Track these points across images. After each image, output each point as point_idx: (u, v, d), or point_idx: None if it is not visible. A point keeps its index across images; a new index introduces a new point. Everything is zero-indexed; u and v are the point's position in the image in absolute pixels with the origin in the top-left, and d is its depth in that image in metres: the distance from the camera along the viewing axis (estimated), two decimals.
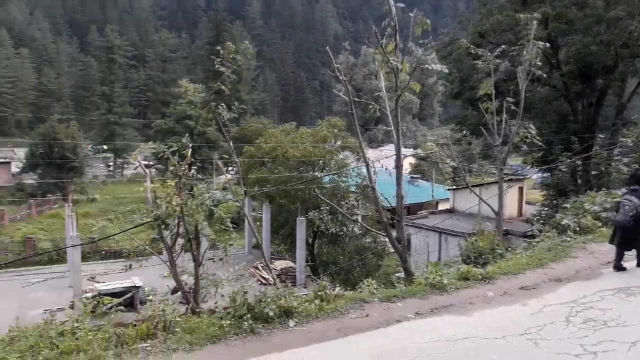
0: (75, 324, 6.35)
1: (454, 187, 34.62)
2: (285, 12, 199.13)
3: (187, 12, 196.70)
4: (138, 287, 18.19)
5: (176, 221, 9.04)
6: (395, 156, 10.95)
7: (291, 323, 6.59)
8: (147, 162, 48.82)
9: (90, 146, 72.76)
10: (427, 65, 11.88)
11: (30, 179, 58.39)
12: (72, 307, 16.97)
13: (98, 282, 20.25)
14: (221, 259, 10.35)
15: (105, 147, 78.43)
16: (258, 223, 26.76)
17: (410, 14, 10.27)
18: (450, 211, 29.87)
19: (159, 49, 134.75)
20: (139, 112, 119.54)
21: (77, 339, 5.84)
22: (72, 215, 24.42)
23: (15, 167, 61.72)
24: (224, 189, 11.60)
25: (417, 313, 7.22)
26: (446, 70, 12.56)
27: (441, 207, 37.12)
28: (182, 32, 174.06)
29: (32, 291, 21.40)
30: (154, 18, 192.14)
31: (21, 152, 65.01)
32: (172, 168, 9.44)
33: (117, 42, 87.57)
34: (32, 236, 36.29)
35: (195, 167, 10.44)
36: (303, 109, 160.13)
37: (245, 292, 6.91)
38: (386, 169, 14.10)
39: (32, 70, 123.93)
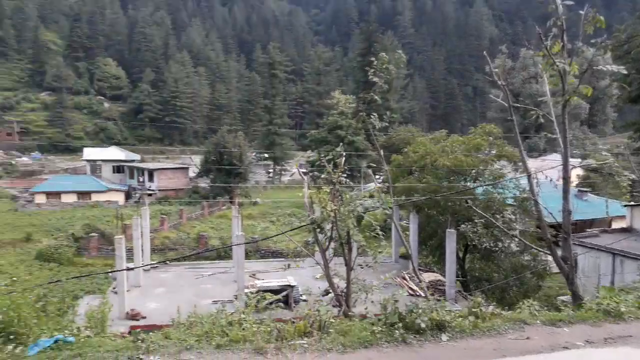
0: (242, 316, 7.01)
1: (633, 203, 30.28)
2: (437, 18, 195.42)
3: (340, 26, 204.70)
4: (293, 287, 19.31)
5: (330, 226, 9.44)
6: (561, 167, 10.01)
7: (444, 337, 6.42)
8: (304, 170, 51.68)
9: (253, 154, 79.59)
10: (599, 67, 10.65)
11: (204, 183, 66.10)
12: (232, 301, 18.74)
13: (258, 279, 21.98)
14: (368, 266, 10.54)
15: (266, 155, 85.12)
16: (406, 233, 26.52)
17: (580, 12, 9.33)
18: (627, 230, 26.22)
19: (315, 63, 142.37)
20: (295, 123, 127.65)
21: (243, 329, 6.44)
22: (238, 216, 26.89)
23: (192, 172, 70.40)
24: (371, 196, 11.77)
25: (587, 341, 6.49)
26: (624, 71, 11.10)
27: (615, 225, 32.75)
28: (336, 45, 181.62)
29: (203, 283, 24.09)
30: (311, 34, 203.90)
31: (197, 159, 74.06)
32: (326, 175, 9.90)
33: (278, 58, 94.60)
34: (204, 234, 40.89)
35: (345, 175, 10.76)
36: (454, 116, 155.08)
37: (396, 301, 6.93)
38: (551, 180, 12.93)
39: (207, 87, 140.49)
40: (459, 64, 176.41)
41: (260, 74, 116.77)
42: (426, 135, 39.50)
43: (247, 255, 29.33)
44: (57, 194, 58.01)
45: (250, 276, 23.23)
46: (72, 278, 23.29)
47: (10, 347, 5.76)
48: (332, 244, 10.19)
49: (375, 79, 11.34)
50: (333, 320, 6.82)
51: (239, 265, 21.03)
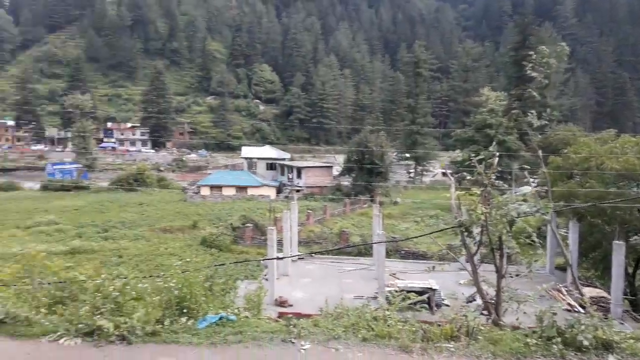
0: (387, 313, 7.07)
1: None
2: (605, 5, 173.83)
3: (491, 20, 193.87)
4: (434, 290, 18.89)
5: (479, 230, 9.03)
6: None
7: (611, 358, 5.75)
8: (449, 171, 50.15)
9: (394, 154, 79.43)
10: None
11: (346, 181, 67.96)
12: (375, 298, 18.94)
13: (398, 279, 21.92)
14: (518, 275, 9.86)
15: (407, 155, 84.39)
16: (565, 242, 24.17)
17: None
18: None
19: (462, 59, 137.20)
20: (439, 122, 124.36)
21: (388, 326, 6.49)
22: (379, 215, 27.12)
23: (335, 171, 72.85)
24: (524, 200, 10.95)
25: None
26: None
27: None
28: (486, 40, 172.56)
29: (344, 277, 24.76)
30: (458, 30, 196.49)
31: (340, 158, 76.42)
32: (476, 176, 9.48)
33: (423, 56, 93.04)
34: (346, 230, 42.00)
35: (494, 177, 10.10)
36: (624, 114, 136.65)
37: (554, 314, 6.40)
38: None
39: (351, 88, 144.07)
40: (631, 55, 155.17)
41: (405, 73, 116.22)
42: (590, 135, 35.51)
43: (388, 255, 29.34)
44: (219, 187, 64.61)
45: (390, 275, 23.26)
46: (232, 263, 25.71)
47: (183, 319, 6.56)
48: (480, 249, 9.74)
49: (534, 74, 10.59)
50: (482, 327, 6.53)
51: (380, 264, 21.19)
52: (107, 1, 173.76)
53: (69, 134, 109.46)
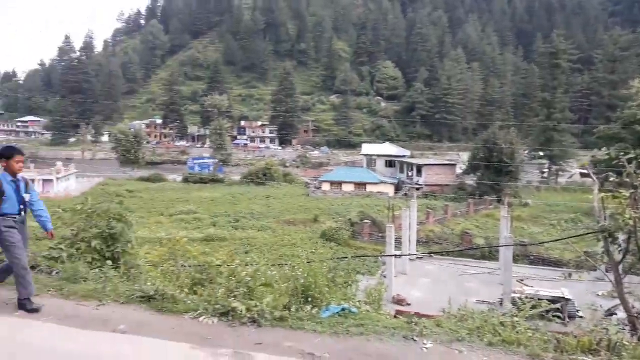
0: (515, 319, 6.69)
1: None
2: None
3: None
4: (568, 300, 17.39)
5: (626, 236, 8.13)
6: None
7: None
8: (592, 171, 45.53)
9: (526, 152, 74.09)
10: None
11: (470, 180, 65.06)
12: (500, 303, 17.96)
13: (526, 285, 20.53)
14: None
15: (540, 153, 78.16)
16: None
17: None
18: None
19: (609, 48, 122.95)
20: (579, 117, 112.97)
21: (517, 332, 6.14)
22: (507, 216, 25.60)
23: (459, 169, 70.12)
24: None
25: None
26: None
27: None
28: (638, 26, 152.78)
29: (466, 280, 23.84)
30: (604, 15, 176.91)
31: (465, 156, 73.36)
32: (625, 177, 8.53)
33: (562, 46, 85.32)
34: (468, 231, 40.26)
35: None
36: None
37: None
38: None
39: (479, 82, 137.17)
40: None
41: (540, 65, 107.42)
42: None
43: (515, 259, 27.55)
44: (339, 183, 66.02)
45: (517, 281, 21.89)
46: (353, 257, 26.16)
47: (308, 307, 6.84)
48: (625, 258, 8.74)
49: None
50: (626, 343, 5.88)
51: (506, 268, 20.06)
52: (243, 6, 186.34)
53: (207, 132, 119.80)
